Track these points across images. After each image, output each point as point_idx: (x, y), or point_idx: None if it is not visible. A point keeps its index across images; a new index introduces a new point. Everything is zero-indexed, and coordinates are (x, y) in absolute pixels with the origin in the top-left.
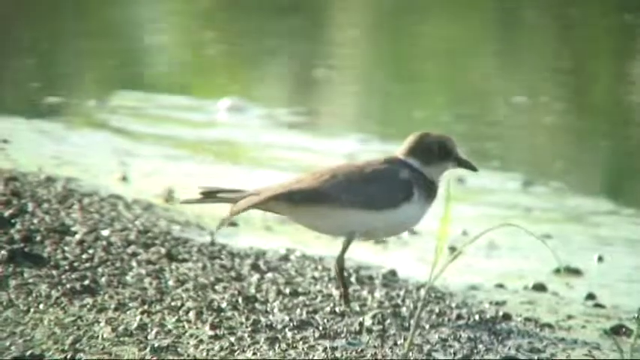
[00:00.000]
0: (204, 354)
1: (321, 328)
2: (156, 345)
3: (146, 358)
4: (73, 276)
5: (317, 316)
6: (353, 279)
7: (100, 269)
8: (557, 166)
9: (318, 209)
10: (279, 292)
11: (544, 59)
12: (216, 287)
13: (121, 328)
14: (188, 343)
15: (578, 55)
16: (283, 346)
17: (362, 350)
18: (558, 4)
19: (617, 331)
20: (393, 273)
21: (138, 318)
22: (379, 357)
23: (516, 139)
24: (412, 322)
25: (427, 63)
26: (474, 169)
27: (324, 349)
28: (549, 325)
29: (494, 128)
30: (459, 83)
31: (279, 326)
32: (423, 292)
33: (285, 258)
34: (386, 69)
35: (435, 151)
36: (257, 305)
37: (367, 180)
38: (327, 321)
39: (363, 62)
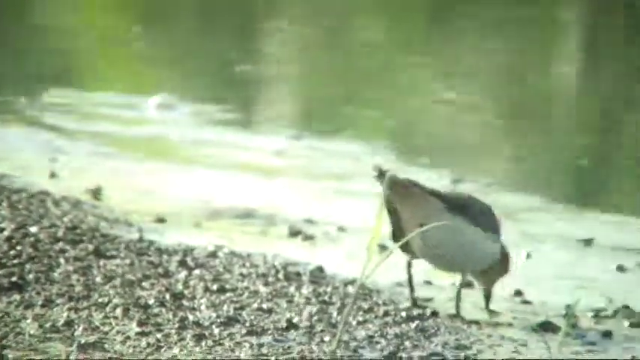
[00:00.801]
0: (131, 350)
1: (248, 324)
2: (83, 341)
3: (72, 355)
4: (1, 272)
5: (244, 313)
6: (280, 275)
7: (27, 266)
8: (486, 163)
9: None
10: (206, 289)
11: (475, 58)
12: (144, 284)
13: (47, 325)
14: (115, 339)
15: (509, 52)
16: (210, 342)
17: (289, 347)
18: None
19: (544, 327)
20: (320, 269)
21: (65, 314)
22: (306, 354)
23: (445, 136)
24: (340, 318)
25: (357, 59)
26: None
27: (251, 346)
28: (476, 322)
29: (422, 125)
30: (389, 80)
31: (206, 323)
32: (351, 288)
33: (213, 255)
34: (316, 66)
35: None
36: (184, 302)
37: None
38: (254, 318)
39: (293, 59)
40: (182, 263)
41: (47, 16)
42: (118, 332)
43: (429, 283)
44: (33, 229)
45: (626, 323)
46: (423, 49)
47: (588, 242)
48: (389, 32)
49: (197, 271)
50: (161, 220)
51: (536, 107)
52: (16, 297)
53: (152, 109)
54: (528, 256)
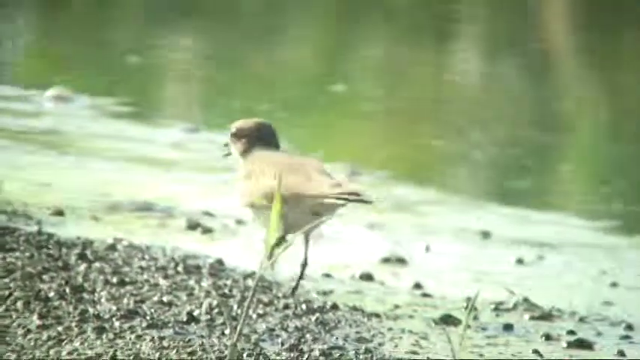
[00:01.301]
0: (33, 343)
1: (148, 317)
2: None
3: None
4: None
5: (144, 306)
6: (180, 268)
7: None
8: (382, 155)
9: None
10: (106, 282)
11: (357, 49)
12: (44, 277)
13: None
14: (16, 332)
15: (401, 43)
16: (111, 335)
17: (190, 340)
18: None
19: (445, 320)
20: (220, 262)
21: None
22: (207, 347)
23: (340, 128)
24: (240, 311)
25: (251, 51)
26: None
27: (152, 339)
28: (376, 315)
29: (316, 117)
30: (282, 71)
31: (107, 316)
32: (250, 281)
33: (112, 247)
34: (212, 57)
35: None
36: (84, 295)
37: None
38: (155, 311)
39: (189, 51)
40: (81, 256)
41: None
42: (19, 325)
43: (328, 275)
44: None
45: (527, 316)
46: (321, 40)
47: (486, 235)
48: (286, 24)
49: (97, 264)
50: (59, 212)
51: (431, 100)
52: None
53: (48, 102)
54: (427, 249)
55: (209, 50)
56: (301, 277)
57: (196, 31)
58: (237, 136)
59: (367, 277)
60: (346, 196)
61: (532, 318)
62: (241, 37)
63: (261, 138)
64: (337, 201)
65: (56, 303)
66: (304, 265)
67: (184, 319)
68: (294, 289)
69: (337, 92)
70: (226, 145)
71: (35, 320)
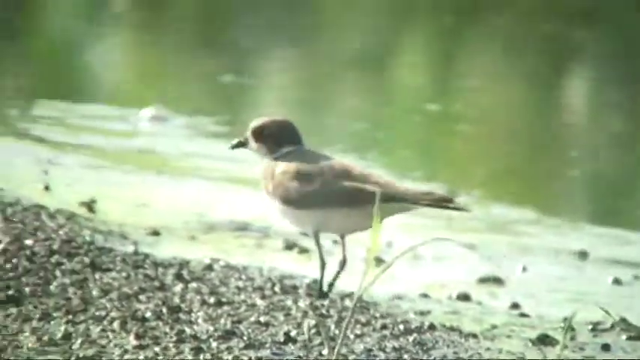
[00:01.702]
0: None
1: (245, 338)
2: (80, 355)
3: None
4: None
5: (241, 326)
6: (277, 288)
7: (24, 279)
8: (479, 175)
9: None
10: (203, 302)
11: (457, 67)
12: (141, 297)
13: (45, 338)
14: (113, 352)
15: (499, 63)
16: (208, 356)
17: None
18: None
19: (542, 340)
20: (317, 282)
21: (62, 328)
22: None
23: (437, 148)
24: (338, 332)
25: (346, 71)
26: None
27: None
28: (474, 335)
29: (412, 136)
30: (377, 90)
31: (204, 336)
32: (347, 301)
33: (209, 268)
34: (306, 77)
35: None
36: (181, 315)
37: None
38: (252, 331)
39: (285, 72)
40: (178, 276)
41: (36, 28)
42: (115, 345)
43: (426, 296)
44: (28, 242)
45: (624, 336)
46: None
47: (583, 255)
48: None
49: (193, 284)
50: (156, 233)
51: (527, 120)
52: (13, 310)
53: (144, 122)
54: (524, 269)
55: (304, 70)
56: (338, 275)
57: (291, 52)
58: (260, 134)
59: (464, 297)
60: (439, 202)
61: (629, 338)
62: (335, 58)
63: (288, 136)
64: (429, 206)
65: (153, 323)
66: (343, 263)
67: (282, 340)
68: (330, 287)
69: (432, 111)
70: (242, 141)
71: (132, 340)
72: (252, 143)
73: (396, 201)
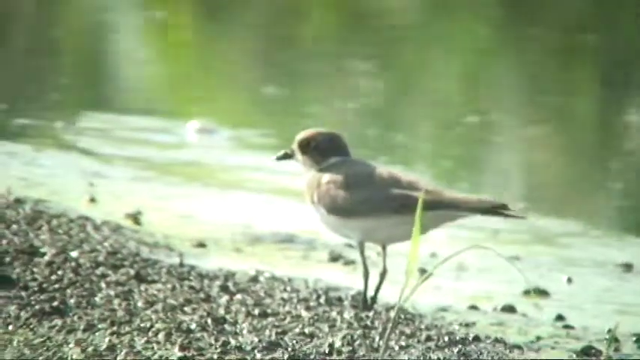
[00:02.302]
0: None
1: (290, 349)
2: None
3: None
4: (42, 297)
5: (286, 338)
6: (322, 300)
7: (69, 290)
8: (525, 187)
9: None
10: (248, 314)
11: (503, 79)
12: (186, 308)
13: (90, 349)
14: None
15: (544, 75)
16: None
17: None
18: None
19: (586, 352)
20: (361, 294)
21: (107, 339)
22: None
23: (479, 160)
24: (382, 343)
25: (388, 81)
26: None
27: None
28: (518, 347)
29: (455, 149)
30: (415, 102)
31: (249, 347)
32: (392, 313)
33: (254, 279)
34: (356, 89)
35: None
36: (226, 326)
37: None
38: (297, 342)
39: (334, 84)
40: (223, 288)
41: (77, 42)
42: (160, 357)
43: (471, 307)
44: (74, 254)
45: None
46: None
47: (628, 267)
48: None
49: (239, 296)
50: (201, 244)
51: (577, 131)
52: (58, 322)
53: (191, 134)
54: (569, 280)
55: (346, 81)
56: (380, 286)
57: (333, 62)
58: (307, 146)
59: (509, 308)
60: (493, 209)
61: None
62: (376, 69)
63: (335, 148)
64: (481, 213)
65: (198, 335)
66: (383, 274)
67: (326, 351)
68: (373, 299)
69: (472, 123)
70: (287, 153)
71: (177, 352)
72: (299, 155)
73: (446, 208)
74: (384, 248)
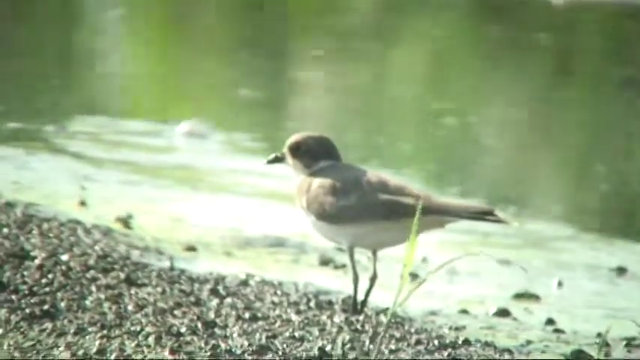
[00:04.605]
0: None
1: (280, 353)
2: None
3: None
4: (33, 300)
5: (276, 341)
6: (312, 304)
7: (59, 294)
8: (516, 191)
9: None
10: (238, 317)
11: (498, 81)
12: (176, 312)
13: (80, 353)
14: None
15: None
16: None
17: None
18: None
19: (577, 356)
20: (351, 298)
21: (97, 342)
22: None
23: (472, 163)
24: (372, 347)
25: (367, 84)
26: None
27: None
28: (509, 351)
29: (441, 152)
30: (394, 105)
31: (239, 351)
32: (382, 317)
33: (245, 283)
34: (345, 93)
35: None
36: (216, 330)
37: None
38: (287, 346)
39: (324, 87)
40: (213, 292)
41: (69, 43)
42: None
43: (461, 311)
44: (64, 258)
45: None
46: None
47: (620, 271)
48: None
49: (229, 300)
50: (192, 248)
51: (567, 135)
52: (48, 325)
53: (180, 137)
54: (560, 284)
55: (341, 86)
56: (370, 291)
57: (315, 65)
58: (297, 150)
59: (499, 313)
60: (481, 215)
61: None
62: (359, 72)
63: (325, 152)
64: (470, 219)
65: (188, 338)
66: (373, 278)
67: (316, 355)
68: (363, 303)
69: (449, 125)
70: (278, 156)
71: (167, 355)
72: (289, 159)
73: (435, 213)
74: (374, 253)
